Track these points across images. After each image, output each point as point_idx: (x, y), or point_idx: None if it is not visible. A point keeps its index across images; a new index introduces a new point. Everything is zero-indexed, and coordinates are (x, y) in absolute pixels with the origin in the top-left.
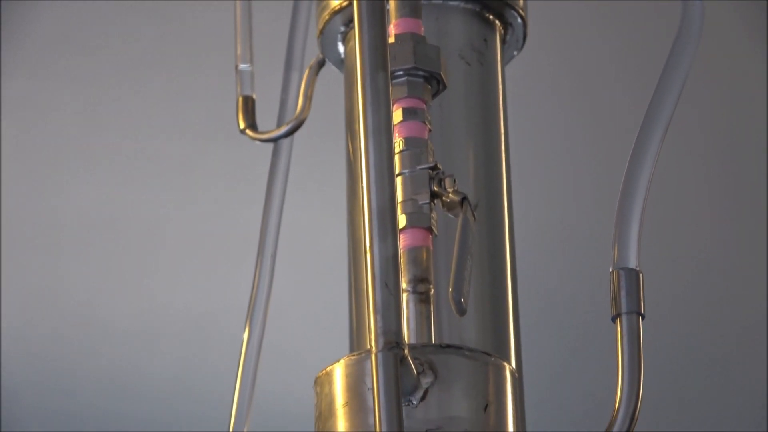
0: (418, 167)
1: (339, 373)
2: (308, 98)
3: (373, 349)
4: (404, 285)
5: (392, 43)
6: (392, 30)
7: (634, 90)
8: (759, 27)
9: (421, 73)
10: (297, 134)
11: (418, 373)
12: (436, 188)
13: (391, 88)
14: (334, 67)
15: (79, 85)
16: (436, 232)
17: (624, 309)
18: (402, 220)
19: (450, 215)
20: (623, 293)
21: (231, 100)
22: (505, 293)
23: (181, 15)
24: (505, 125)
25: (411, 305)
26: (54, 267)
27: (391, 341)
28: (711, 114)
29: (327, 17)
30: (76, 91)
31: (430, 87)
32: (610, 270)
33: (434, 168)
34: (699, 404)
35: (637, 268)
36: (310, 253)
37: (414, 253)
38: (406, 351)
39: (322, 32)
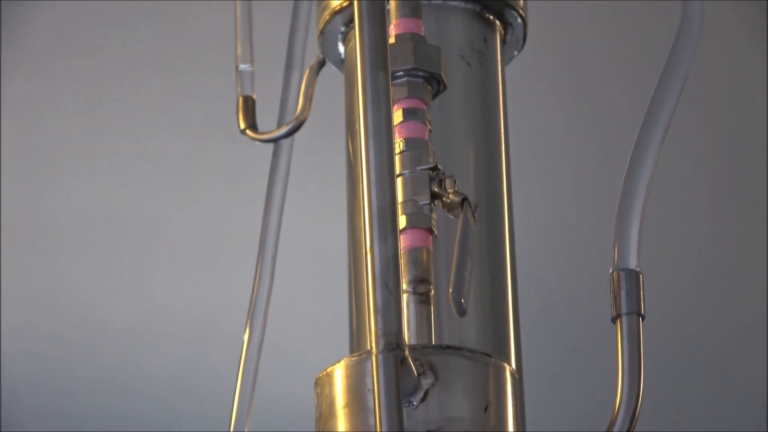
0: (419, 168)
1: (339, 374)
2: (308, 98)
3: (374, 350)
4: (404, 286)
5: (392, 44)
6: (392, 30)
7: (634, 90)
8: (759, 27)
9: (421, 73)
10: (297, 134)
11: (419, 374)
12: (436, 189)
13: (391, 89)
14: (334, 67)
15: (79, 85)
16: (436, 232)
17: (624, 310)
18: (402, 221)
19: (450, 216)
20: (623, 294)
21: (231, 100)
22: (505, 294)
23: (181, 15)
24: (505, 125)
25: (411, 306)
26: (54, 267)
27: (392, 342)
28: (711, 114)
29: (327, 17)
30: (76, 91)
31: (430, 87)
32: (611, 271)
33: (434, 169)
34: (699, 404)
35: (637, 269)
36: (310, 253)
37: (414, 253)
38: (407, 352)
39: (322, 32)
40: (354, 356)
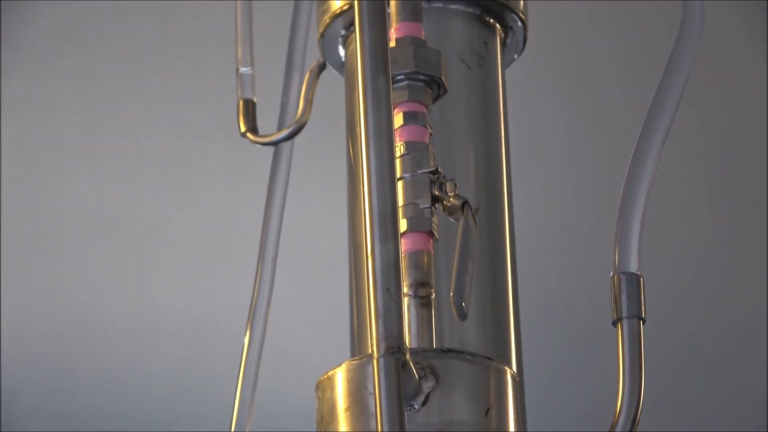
0: (419, 171)
1: (341, 378)
2: (309, 101)
3: (375, 354)
4: (405, 289)
5: (393, 47)
6: (393, 34)
7: (634, 90)
8: (759, 27)
9: (421, 77)
10: (297, 136)
11: (420, 377)
12: (437, 192)
13: (391, 92)
14: (334, 71)
15: (79, 85)
16: (437, 236)
17: (625, 313)
18: (403, 225)
19: (451, 219)
20: (624, 297)
21: (231, 100)
22: (505, 296)
23: (181, 15)
24: (505, 128)
25: (412, 309)
26: (54, 267)
27: (393, 346)
28: (711, 114)
29: (328, 20)
30: (76, 91)
31: (430, 91)
32: (611, 274)
33: (435, 172)
34: (699, 404)
35: (638, 273)
36: (310, 254)
37: (415, 257)
38: (408, 356)
39: (322, 35)
40: (355, 360)
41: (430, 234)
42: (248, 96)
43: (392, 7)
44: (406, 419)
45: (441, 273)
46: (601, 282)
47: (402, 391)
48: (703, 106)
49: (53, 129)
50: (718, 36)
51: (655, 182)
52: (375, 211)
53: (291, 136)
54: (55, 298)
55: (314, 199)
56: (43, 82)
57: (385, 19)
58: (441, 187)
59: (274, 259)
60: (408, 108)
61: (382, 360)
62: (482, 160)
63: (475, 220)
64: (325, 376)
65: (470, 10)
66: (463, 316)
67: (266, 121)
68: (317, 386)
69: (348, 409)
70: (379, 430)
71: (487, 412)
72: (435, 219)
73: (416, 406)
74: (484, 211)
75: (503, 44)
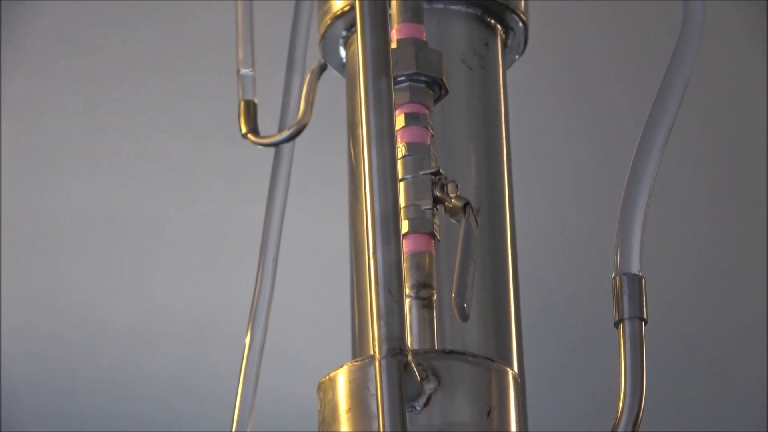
0: (421, 173)
1: (342, 379)
2: (310, 103)
3: (377, 355)
4: (407, 290)
5: (394, 49)
6: (394, 35)
7: (634, 90)
8: (759, 27)
9: (423, 78)
10: (298, 137)
11: (422, 379)
12: (438, 193)
13: (393, 94)
14: (335, 72)
15: (79, 85)
16: (438, 237)
17: (626, 314)
18: (405, 226)
19: (452, 220)
20: (626, 298)
21: (231, 100)
22: (507, 297)
23: (181, 15)
24: (506, 129)
25: (414, 311)
26: (54, 267)
27: (395, 347)
28: (711, 114)
29: (329, 21)
30: (76, 91)
31: (432, 92)
32: (613, 275)
33: (437, 173)
34: (699, 404)
35: (640, 274)
36: (311, 254)
37: (417, 258)
38: (410, 357)
39: (323, 36)
40: (357, 361)
41: (432, 235)
42: (249, 97)
43: (393, 8)
44: (407, 420)
45: (442, 274)
46: (602, 282)
47: (404, 393)
48: (703, 106)
49: (53, 129)
50: (718, 36)
51: (655, 183)
52: (377, 212)
53: (292, 138)
54: (55, 298)
55: (315, 199)
56: (43, 82)
57: (386, 20)
58: (442, 188)
59: (275, 260)
60: (409, 109)
61: (383, 361)
62: (483, 162)
63: (476, 221)
64: (327, 377)
65: (471, 11)
66: (464, 317)
67: (267, 122)
68: (319, 387)
69: (350, 410)
70: (381, 431)
71: (488, 414)
72: (436, 220)
73: (418, 408)
74: (485, 212)
75: (504, 45)
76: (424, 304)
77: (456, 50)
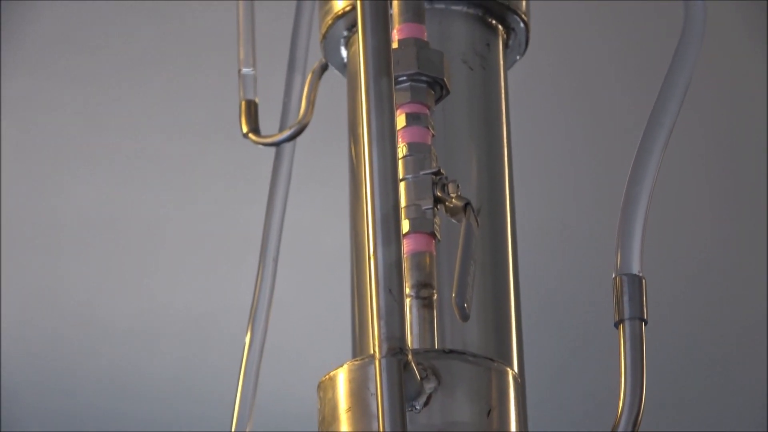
0: (422, 172)
1: (342, 378)
2: (311, 102)
3: (377, 354)
4: (407, 290)
5: (395, 48)
6: (395, 35)
7: (634, 90)
8: (759, 27)
9: (424, 78)
10: (299, 137)
11: (422, 378)
12: (439, 193)
13: (394, 94)
14: (336, 72)
15: (79, 85)
16: (439, 237)
17: (627, 315)
18: (405, 226)
19: (453, 220)
20: (626, 299)
21: (231, 99)
22: (507, 297)
23: (181, 15)
24: (507, 130)
25: (414, 310)
26: (54, 267)
27: (395, 347)
28: (711, 114)
29: (330, 21)
30: (76, 91)
31: (433, 92)
32: (613, 275)
33: (437, 173)
34: (699, 404)
35: (640, 274)
36: (311, 254)
37: (417, 258)
38: (410, 356)
39: (325, 36)
40: (357, 360)
41: (432, 235)
42: (250, 97)
43: (395, 8)
44: (407, 420)
45: (443, 274)
46: (601, 282)
47: (404, 392)
48: (704, 106)
49: (53, 129)
50: (718, 36)
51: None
52: (377, 212)
53: (293, 137)
54: (55, 298)
55: (316, 199)
56: (43, 82)
57: (387, 20)
58: (443, 188)
59: (276, 260)
60: (410, 109)
61: (384, 361)
62: (484, 162)
63: (477, 221)
64: (327, 376)
65: (472, 11)
66: (465, 317)
67: (268, 122)
68: (319, 386)
69: (349, 409)
70: (381, 430)
71: (488, 413)
72: (437, 220)
73: (418, 407)
74: (485, 213)
75: (505, 45)
76: (425, 303)
77: (457, 50)
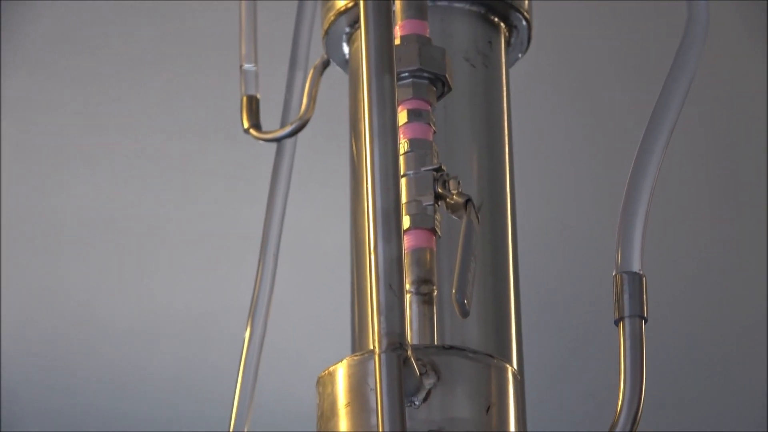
0: (423, 169)
1: (342, 374)
2: (312, 98)
3: (377, 350)
4: (407, 286)
5: (398, 45)
6: (398, 31)
7: (634, 90)
8: (759, 27)
9: (426, 74)
10: (300, 133)
11: (421, 374)
12: (440, 190)
13: (396, 90)
14: (338, 68)
15: (79, 85)
16: (439, 233)
17: (627, 313)
18: (406, 222)
19: (454, 217)
20: (626, 297)
21: (231, 99)
22: (507, 294)
23: (181, 15)
24: (509, 127)
25: (414, 306)
26: (54, 267)
27: (395, 342)
28: (711, 114)
29: (332, 18)
30: (76, 91)
31: (435, 89)
32: (614, 273)
33: (438, 170)
34: (699, 404)
35: (641, 272)
36: (311, 253)
37: (417, 254)
38: (409, 352)
39: (327, 32)
40: (356, 355)
41: (433, 231)
42: (252, 92)
43: (397, 5)
44: (407, 415)
45: (443, 270)
46: (602, 282)
47: (403, 387)
48: (704, 106)
49: (53, 129)
50: (718, 36)
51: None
52: (378, 207)
53: (294, 133)
54: (55, 298)
55: (316, 198)
56: (43, 81)
57: (390, 16)
58: (444, 184)
59: (276, 256)
60: (412, 105)
61: (383, 356)
62: (485, 158)
63: (477, 218)
64: (326, 371)
65: (475, 8)
66: (465, 313)
67: (269, 118)
68: (318, 381)
69: (349, 404)
70: (380, 426)
71: (488, 410)
72: (438, 216)
73: (417, 403)
74: (486, 209)
75: (508, 43)
76: (425, 299)
77: (459, 48)
